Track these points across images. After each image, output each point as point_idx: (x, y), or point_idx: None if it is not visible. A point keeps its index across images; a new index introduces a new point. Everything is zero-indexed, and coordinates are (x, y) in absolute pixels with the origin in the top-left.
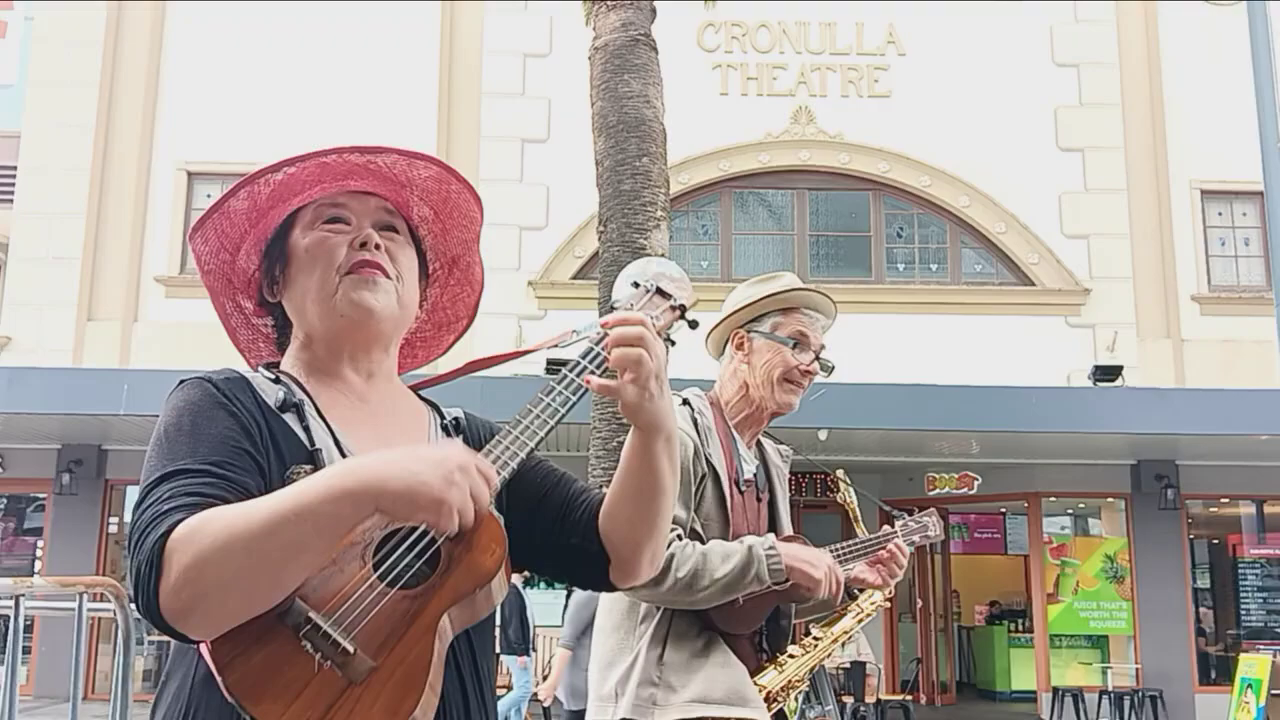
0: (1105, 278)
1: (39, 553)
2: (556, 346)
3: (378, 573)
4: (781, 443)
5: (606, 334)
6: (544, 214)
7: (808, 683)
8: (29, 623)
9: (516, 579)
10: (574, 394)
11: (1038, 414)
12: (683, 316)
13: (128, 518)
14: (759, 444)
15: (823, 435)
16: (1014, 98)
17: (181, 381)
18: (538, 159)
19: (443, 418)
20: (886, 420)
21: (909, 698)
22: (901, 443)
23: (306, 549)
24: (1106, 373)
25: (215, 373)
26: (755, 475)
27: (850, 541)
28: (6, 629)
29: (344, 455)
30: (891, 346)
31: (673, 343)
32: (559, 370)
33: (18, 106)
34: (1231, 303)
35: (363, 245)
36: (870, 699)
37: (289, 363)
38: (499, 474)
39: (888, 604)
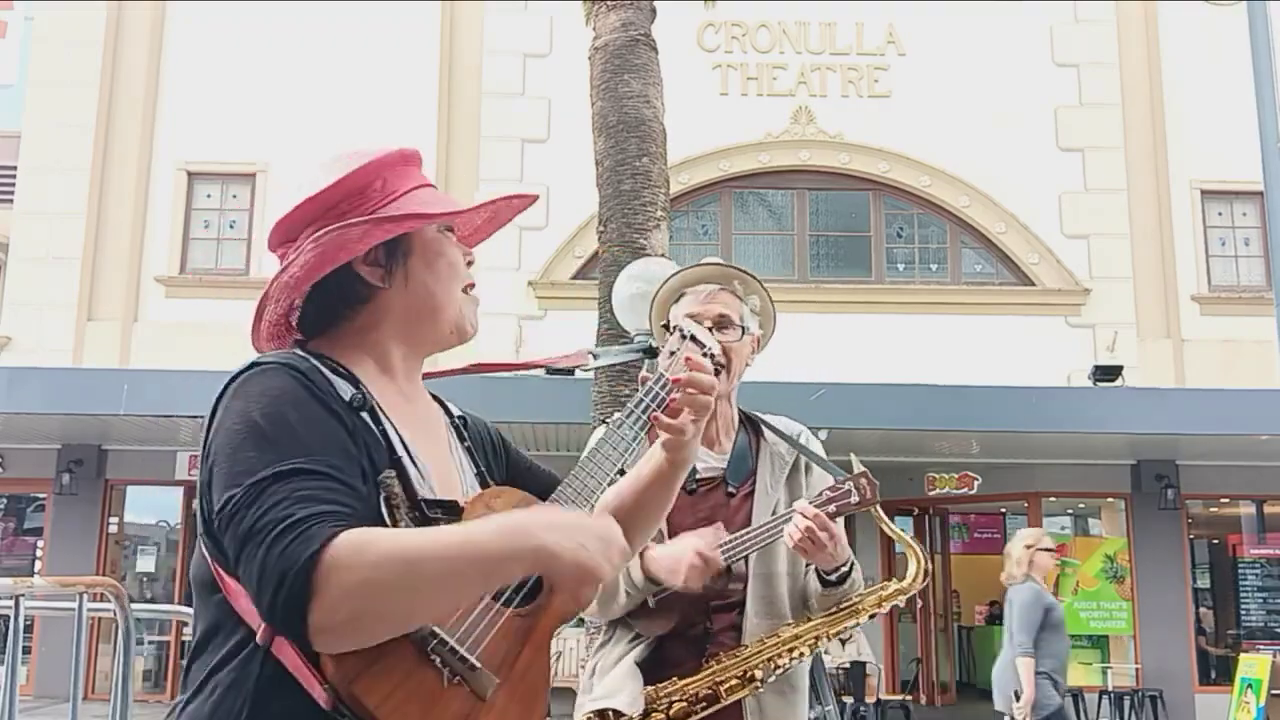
0: (1105, 278)
1: (39, 553)
2: (577, 368)
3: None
4: (792, 435)
5: (664, 375)
6: (544, 214)
7: (770, 675)
8: (29, 623)
9: None
10: (642, 429)
11: (1038, 414)
12: (713, 363)
13: (128, 517)
14: (757, 439)
15: (823, 435)
16: (1014, 98)
17: (256, 364)
18: (538, 159)
19: (450, 416)
20: (886, 420)
21: (909, 698)
22: (901, 443)
23: (470, 593)
24: (1106, 373)
25: (285, 358)
26: (724, 472)
27: (747, 530)
28: (6, 629)
29: (414, 462)
30: (891, 346)
31: None
32: (558, 369)
33: (18, 106)
34: (1231, 303)
35: (469, 262)
36: (870, 699)
37: (336, 349)
38: (588, 505)
39: (896, 602)
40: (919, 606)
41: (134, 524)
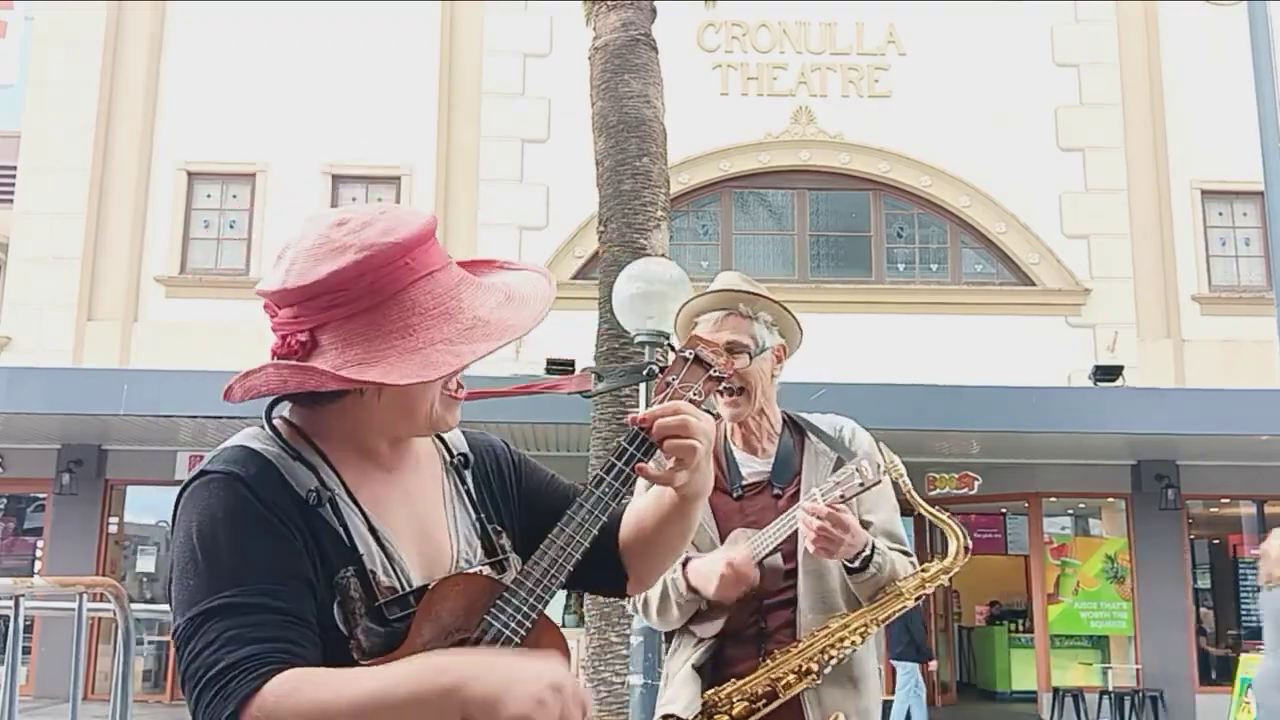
0: (1105, 278)
1: (39, 553)
2: (581, 393)
3: None
4: (842, 442)
5: (638, 429)
6: (544, 214)
7: (826, 666)
8: (29, 623)
9: None
10: (625, 485)
11: (1038, 414)
12: (720, 386)
13: (128, 518)
14: (801, 440)
15: None
16: (1014, 98)
17: (203, 474)
18: (538, 159)
19: (450, 455)
20: (886, 420)
21: None
22: (901, 443)
23: None
24: (1107, 373)
25: (237, 464)
26: (769, 475)
27: (765, 530)
28: (6, 629)
29: (380, 545)
30: (891, 346)
31: (717, 416)
32: (559, 369)
33: (18, 106)
34: (1232, 303)
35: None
36: None
37: (310, 424)
38: (556, 581)
39: (939, 580)
40: (919, 607)
41: (134, 524)
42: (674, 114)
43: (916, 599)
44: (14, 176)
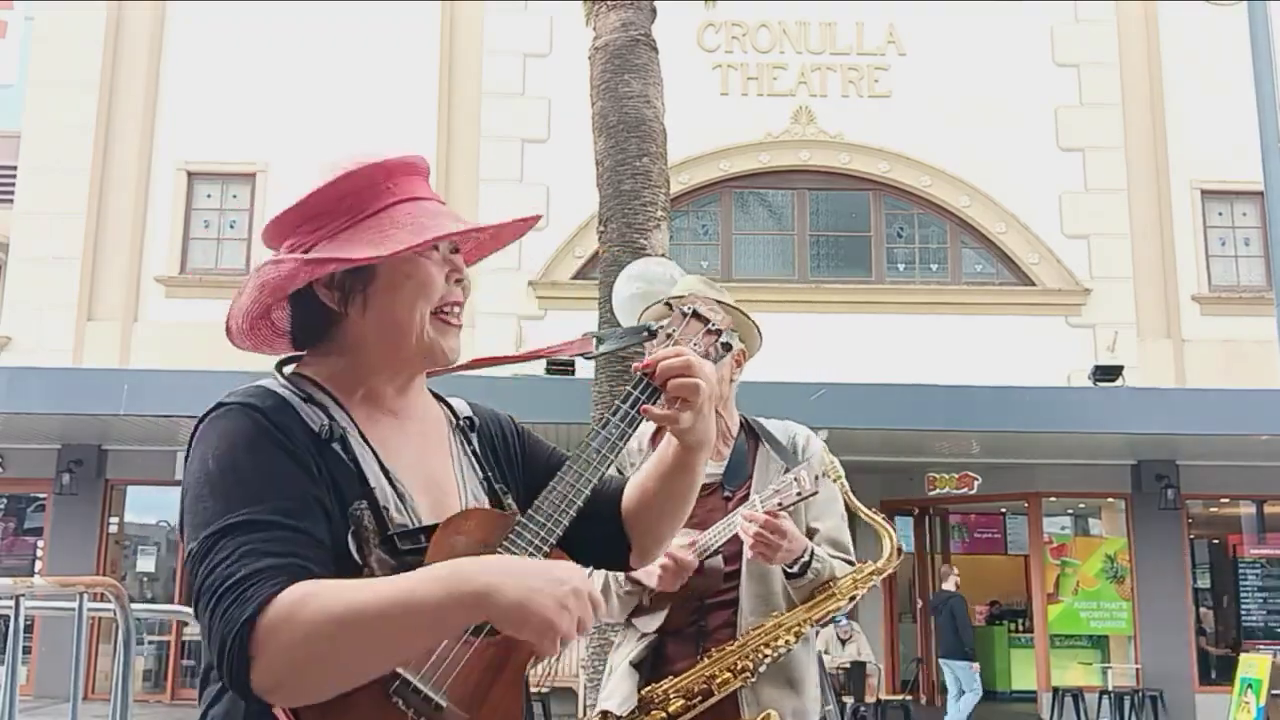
0: (1105, 278)
1: (39, 553)
2: (582, 355)
3: None
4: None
5: (643, 374)
6: (544, 214)
7: (761, 665)
8: (29, 623)
9: (949, 584)
10: (630, 426)
11: (1038, 414)
12: (719, 340)
13: (128, 518)
14: (756, 444)
15: (823, 435)
16: (1014, 98)
17: (220, 405)
18: (538, 159)
19: (456, 418)
20: (887, 420)
21: (909, 697)
22: (902, 443)
23: (414, 643)
24: (1107, 373)
25: (254, 397)
26: (721, 477)
27: (708, 531)
28: (6, 629)
29: (392, 484)
30: (891, 346)
31: (724, 352)
32: (558, 369)
33: (18, 106)
34: (1232, 303)
35: (458, 280)
36: (870, 699)
37: (317, 371)
38: (567, 515)
39: (855, 592)
40: (919, 607)
41: (134, 524)
42: (674, 114)
43: (850, 599)
44: (14, 176)
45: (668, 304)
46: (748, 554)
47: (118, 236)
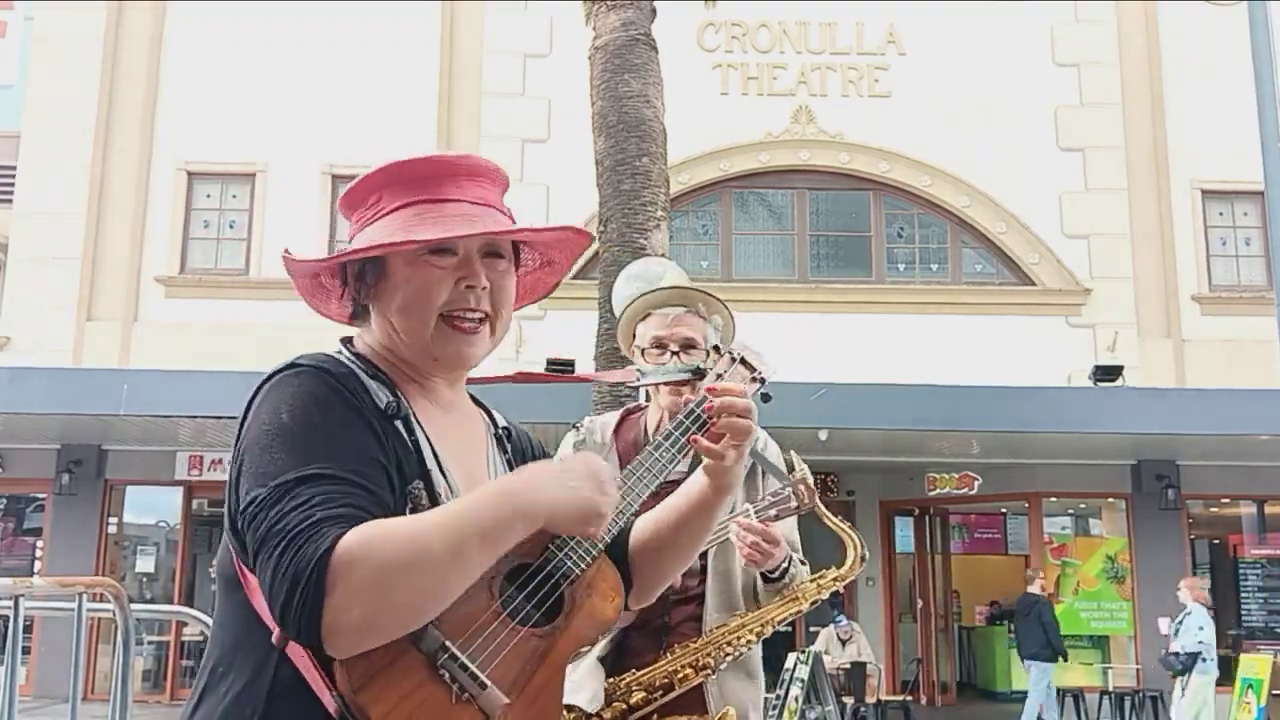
0: (1105, 278)
1: (39, 553)
2: (622, 385)
3: (507, 610)
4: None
5: (705, 395)
6: (544, 214)
7: (722, 662)
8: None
9: (1034, 587)
10: (679, 452)
11: (1038, 414)
12: (760, 390)
13: (127, 518)
14: None
15: (823, 435)
16: (1014, 98)
17: (293, 365)
18: (538, 159)
19: (495, 425)
20: (887, 420)
21: (909, 698)
22: (902, 443)
23: (477, 565)
24: (1107, 373)
25: (324, 362)
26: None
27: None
28: (6, 629)
29: (444, 475)
30: (891, 346)
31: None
32: (559, 368)
33: (18, 106)
34: (1232, 303)
35: (469, 286)
36: (870, 699)
37: (375, 354)
38: (618, 522)
39: (822, 592)
40: (919, 607)
41: (133, 524)
42: (674, 114)
43: (811, 603)
44: (14, 176)
45: (715, 348)
46: (741, 560)
47: (117, 236)
